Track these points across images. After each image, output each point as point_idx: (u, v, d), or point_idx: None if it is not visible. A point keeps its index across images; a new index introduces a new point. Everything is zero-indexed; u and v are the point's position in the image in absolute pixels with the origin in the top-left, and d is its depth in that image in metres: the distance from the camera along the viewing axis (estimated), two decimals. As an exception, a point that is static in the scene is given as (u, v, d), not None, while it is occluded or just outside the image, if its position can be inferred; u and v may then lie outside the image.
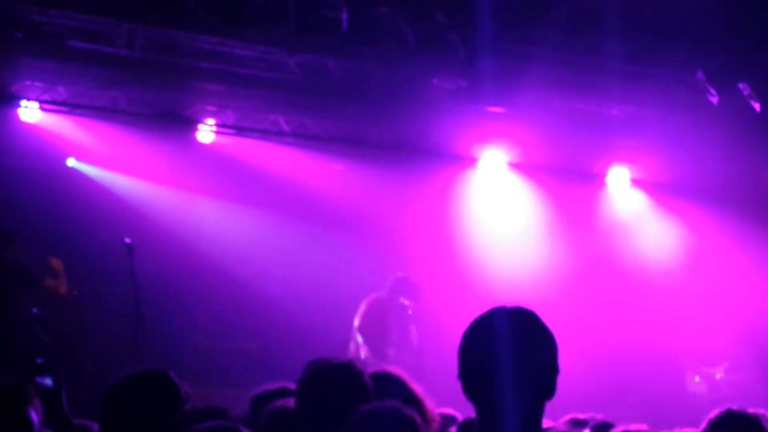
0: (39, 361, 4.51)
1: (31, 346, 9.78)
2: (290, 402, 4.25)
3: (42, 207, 10.90)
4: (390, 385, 4.46)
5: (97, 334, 11.24)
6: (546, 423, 5.24)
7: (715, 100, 10.84)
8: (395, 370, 4.69)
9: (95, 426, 4.80)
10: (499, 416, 2.91)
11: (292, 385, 4.93)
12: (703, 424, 4.33)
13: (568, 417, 5.75)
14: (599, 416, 5.69)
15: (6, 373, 4.25)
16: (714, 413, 4.35)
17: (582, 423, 5.54)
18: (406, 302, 11.67)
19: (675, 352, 13.25)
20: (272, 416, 4.27)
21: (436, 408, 4.49)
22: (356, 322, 11.21)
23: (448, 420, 5.25)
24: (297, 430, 4.00)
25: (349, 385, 4.04)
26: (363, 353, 11.03)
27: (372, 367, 4.37)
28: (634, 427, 4.73)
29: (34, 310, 10.00)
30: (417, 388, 4.51)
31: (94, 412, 4.92)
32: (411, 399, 4.29)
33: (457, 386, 3.07)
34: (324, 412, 3.96)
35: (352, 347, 11.16)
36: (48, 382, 4.40)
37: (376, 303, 11.32)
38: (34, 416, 3.79)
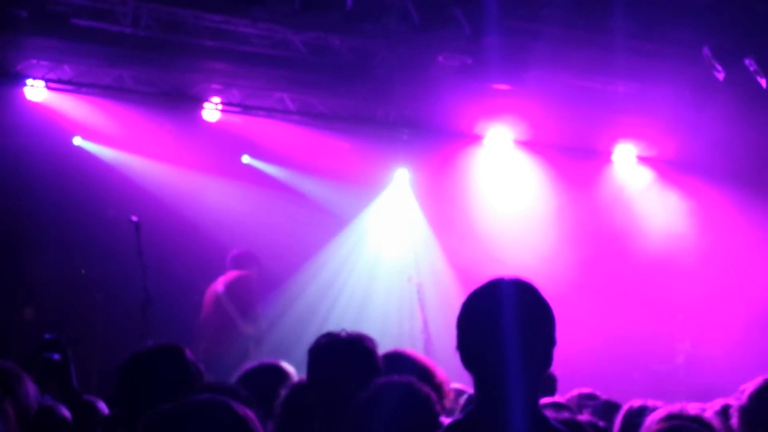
0: (48, 336, 4.53)
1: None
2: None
3: (48, 186, 10.92)
4: (400, 362, 4.50)
5: (104, 312, 11.28)
6: (551, 399, 5.28)
7: (721, 76, 10.81)
8: (404, 349, 4.74)
9: (101, 403, 4.84)
10: (499, 387, 2.93)
11: (271, 360, 5.01)
12: (744, 397, 4.30)
13: (575, 392, 5.79)
14: (603, 394, 5.74)
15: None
16: (754, 384, 4.32)
17: (590, 397, 5.58)
18: (414, 279, 11.67)
19: (681, 330, 13.25)
20: (291, 392, 4.32)
21: (448, 380, 4.54)
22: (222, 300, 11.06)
23: (458, 393, 5.32)
24: (309, 403, 4.04)
25: (357, 358, 4.07)
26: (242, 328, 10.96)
27: None
28: (638, 402, 4.76)
29: None
30: (428, 362, 4.55)
31: (103, 389, 4.96)
32: (423, 375, 4.33)
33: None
34: (332, 384, 3.99)
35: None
36: (56, 357, 4.43)
37: (246, 283, 11.16)
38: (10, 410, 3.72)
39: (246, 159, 12.76)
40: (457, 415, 3.54)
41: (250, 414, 2.58)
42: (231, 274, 11.11)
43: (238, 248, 11.33)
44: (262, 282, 11.54)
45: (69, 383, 4.46)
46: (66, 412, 3.96)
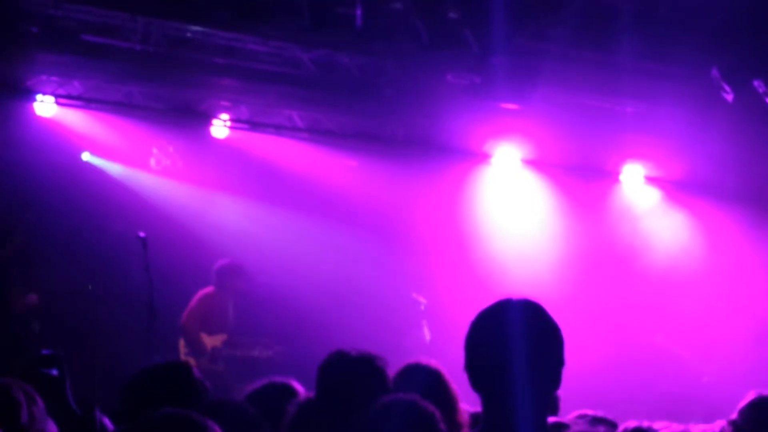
0: (45, 352, 4.52)
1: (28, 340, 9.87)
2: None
3: (57, 201, 10.95)
4: (421, 378, 4.49)
5: (110, 327, 11.29)
6: (554, 419, 5.26)
7: (729, 97, 10.80)
8: (434, 363, 4.70)
9: (105, 419, 4.83)
10: (509, 407, 2.93)
11: (278, 379, 5.00)
12: (736, 413, 4.30)
13: (575, 413, 5.75)
14: (600, 413, 5.70)
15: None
16: (745, 400, 4.33)
17: (591, 419, 5.54)
18: (421, 299, 11.67)
19: (687, 349, 13.22)
20: (299, 408, 4.32)
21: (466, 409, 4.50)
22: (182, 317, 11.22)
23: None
24: (317, 419, 4.04)
25: (366, 375, 4.07)
26: (182, 348, 11.10)
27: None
28: (633, 423, 4.73)
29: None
30: (452, 385, 4.51)
31: (107, 404, 4.95)
32: (442, 395, 4.31)
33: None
34: (341, 402, 3.99)
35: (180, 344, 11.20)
36: (54, 372, 4.42)
37: (204, 298, 11.30)
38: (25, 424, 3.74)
39: (253, 175, 12.78)
40: None
41: (215, 427, 2.61)
42: (194, 297, 11.26)
43: (222, 259, 11.39)
44: (258, 293, 11.63)
45: (65, 399, 4.45)
46: (53, 428, 3.95)
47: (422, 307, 11.51)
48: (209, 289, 11.33)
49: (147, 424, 2.60)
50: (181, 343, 11.09)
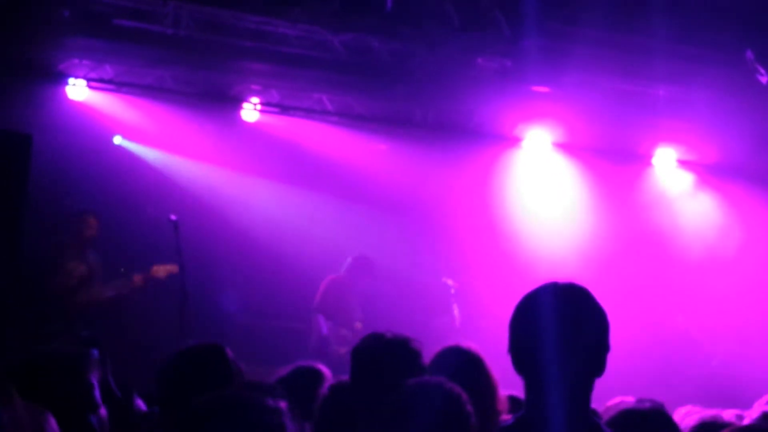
0: (84, 333, 4.57)
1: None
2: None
3: (89, 184, 11.01)
4: (458, 361, 4.47)
5: (143, 310, 11.35)
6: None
7: (764, 80, 10.68)
8: (473, 347, 4.69)
9: (138, 400, 4.88)
10: (551, 390, 2.92)
11: (307, 362, 5.03)
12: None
13: (617, 399, 5.72)
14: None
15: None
16: None
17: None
18: (450, 282, 11.68)
19: (719, 334, 13.14)
20: (331, 390, 4.34)
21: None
22: (316, 301, 11.57)
23: None
24: (352, 401, 4.06)
25: (401, 357, 4.07)
26: (325, 330, 11.39)
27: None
28: (685, 409, 4.70)
29: None
30: (491, 370, 4.48)
31: (140, 387, 5.00)
32: (480, 380, 4.30)
33: (506, 363, 3.07)
34: (376, 384, 3.99)
35: (314, 325, 11.50)
36: (94, 354, 4.46)
37: (333, 283, 11.63)
38: (96, 384, 3.86)
39: (283, 159, 12.80)
40: (508, 419, 3.52)
41: (282, 417, 2.59)
42: (323, 282, 11.75)
43: (359, 253, 11.89)
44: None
45: (105, 381, 4.50)
46: (103, 411, 4.00)
47: (452, 291, 11.49)
48: (338, 275, 11.68)
49: (215, 403, 2.58)
50: (319, 324, 11.41)
